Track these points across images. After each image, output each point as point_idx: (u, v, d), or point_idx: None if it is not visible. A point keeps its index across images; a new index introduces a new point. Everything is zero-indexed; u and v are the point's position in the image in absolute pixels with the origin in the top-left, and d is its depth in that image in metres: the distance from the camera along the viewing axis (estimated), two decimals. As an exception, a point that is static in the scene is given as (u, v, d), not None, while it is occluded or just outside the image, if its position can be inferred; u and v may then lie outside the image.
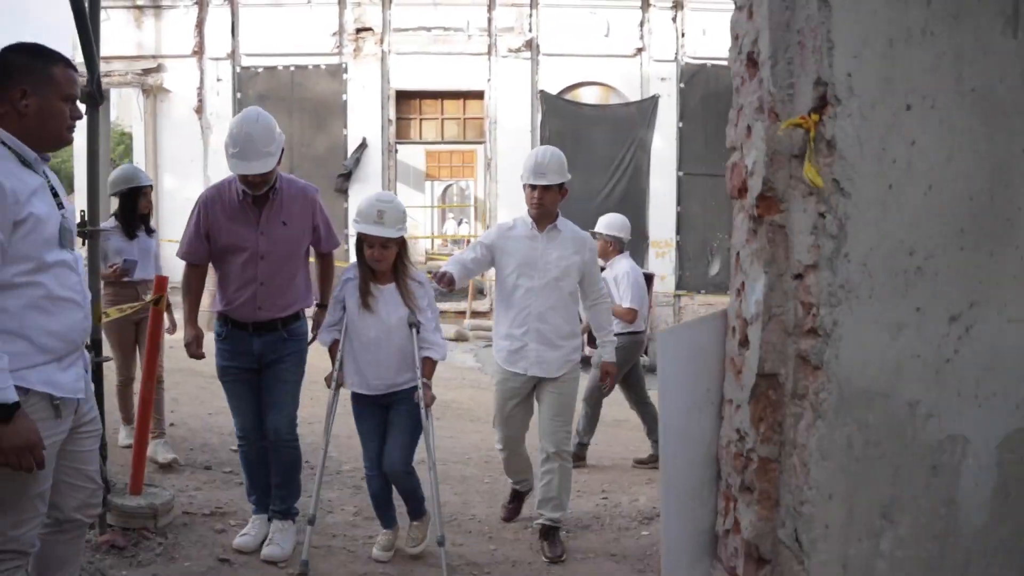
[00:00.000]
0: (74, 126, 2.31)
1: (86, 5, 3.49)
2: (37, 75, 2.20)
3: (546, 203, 3.70)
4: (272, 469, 3.77)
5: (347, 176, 13.57)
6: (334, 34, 13.36)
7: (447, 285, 3.85)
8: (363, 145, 13.63)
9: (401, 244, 3.65)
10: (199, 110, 13.68)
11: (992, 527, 1.53)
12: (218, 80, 13.49)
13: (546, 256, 3.73)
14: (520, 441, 3.88)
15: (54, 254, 2.20)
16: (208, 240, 3.64)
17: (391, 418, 3.65)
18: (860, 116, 1.42)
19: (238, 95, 13.56)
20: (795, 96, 1.51)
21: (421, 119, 14.38)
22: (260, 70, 13.61)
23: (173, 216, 13.42)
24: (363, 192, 10.77)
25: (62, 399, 2.18)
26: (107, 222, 4.69)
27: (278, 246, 3.61)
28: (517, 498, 4.03)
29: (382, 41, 13.40)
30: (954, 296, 1.47)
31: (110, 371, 4.19)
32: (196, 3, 13.00)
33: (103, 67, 11.63)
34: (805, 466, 1.51)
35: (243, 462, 3.86)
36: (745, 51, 1.64)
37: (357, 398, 3.71)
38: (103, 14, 9.07)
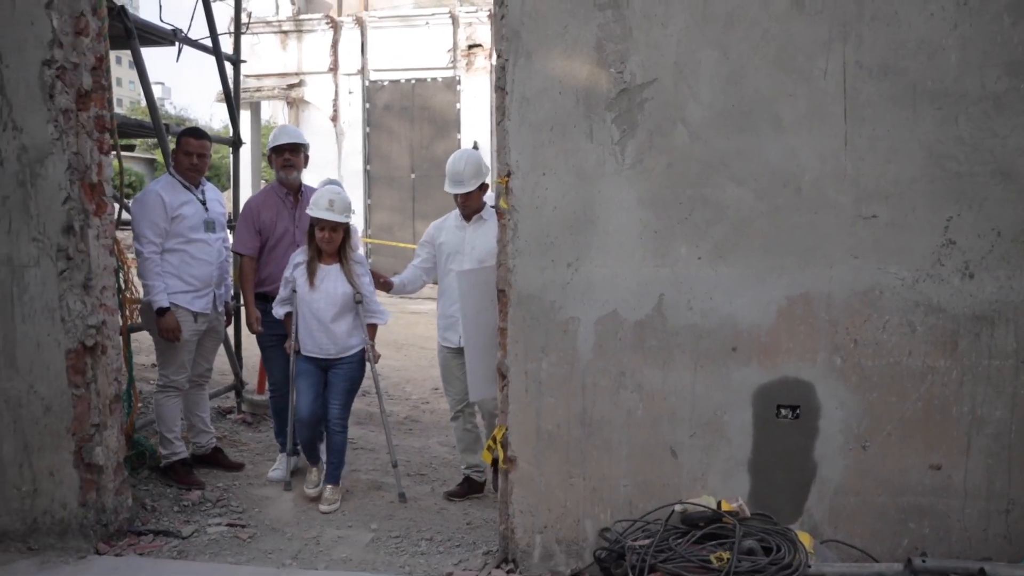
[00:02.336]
0: (197, 166, 4.77)
1: (231, 88, 5.98)
2: (182, 144, 4.70)
3: (470, 204, 4.51)
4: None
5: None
6: (449, 50, 15.58)
7: (385, 289, 4.79)
8: (475, 148, 16.13)
9: (346, 229, 4.50)
10: (334, 118, 16.41)
11: (597, 363, 3.58)
12: (349, 92, 16.16)
13: (471, 243, 4.51)
14: (468, 407, 4.73)
15: (197, 234, 4.67)
16: (259, 234, 4.92)
17: (331, 379, 4.62)
18: (521, 180, 3.54)
19: (367, 105, 16.20)
20: (505, 167, 3.63)
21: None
22: (385, 83, 16.08)
23: (312, 211, 16.17)
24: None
25: (196, 312, 4.65)
26: None
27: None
28: (468, 484, 4.81)
29: (491, 56, 15.54)
30: (568, 255, 3.55)
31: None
32: (331, 26, 15.75)
33: (255, 83, 15.06)
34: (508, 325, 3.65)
35: (273, 409, 5.23)
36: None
37: (302, 358, 4.64)
38: (255, 39, 13.06)
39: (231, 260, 5.34)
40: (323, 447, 4.86)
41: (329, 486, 4.71)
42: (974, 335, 3.36)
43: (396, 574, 3.85)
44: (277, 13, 15.45)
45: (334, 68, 15.93)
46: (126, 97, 55.47)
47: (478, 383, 4.15)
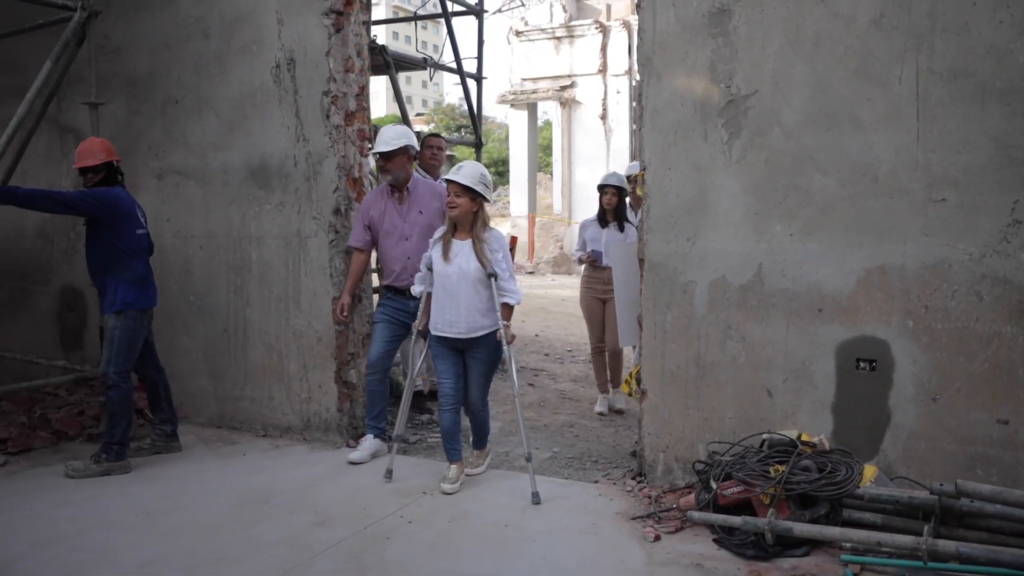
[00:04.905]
0: (436, 156, 6.27)
1: (474, 103, 7.53)
2: (425, 142, 6.25)
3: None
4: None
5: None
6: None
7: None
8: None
9: (479, 206, 4.65)
10: (603, 117, 17.85)
11: (709, 318, 4.59)
12: (617, 92, 17.49)
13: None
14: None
15: None
16: (370, 230, 5.35)
17: (468, 362, 4.76)
18: (652, 174, 4.64)
19: (633, 104, 17.44)
20: (641, 164, 4.74)
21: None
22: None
23: (583, 204, 17.81)
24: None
25: None
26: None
27: (417, 228, 5.26)
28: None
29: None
30: (688, 232, 4.59)
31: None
32: (600, 31, 17.20)
33: (531, 86, 17.11)
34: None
35: (367, 389, 5.42)
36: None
37: (437, 340, 4.74)
38: (530, 45, 15.19)
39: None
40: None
41: (476, 451, 5.08)
42: (1034, 304, 3.95)
43: (558, 478, 5.11)
44: (551, 20, 17.18)
45: (603, 70, 17.32)
46: (417, 96, 61.12)
47: (626, 332, 5.31)
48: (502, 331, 4.66)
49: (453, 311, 4.65)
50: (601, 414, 6.63)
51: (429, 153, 6.54)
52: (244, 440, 5.94)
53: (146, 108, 6.36)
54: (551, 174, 20.25)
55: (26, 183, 6.58)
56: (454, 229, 4.73)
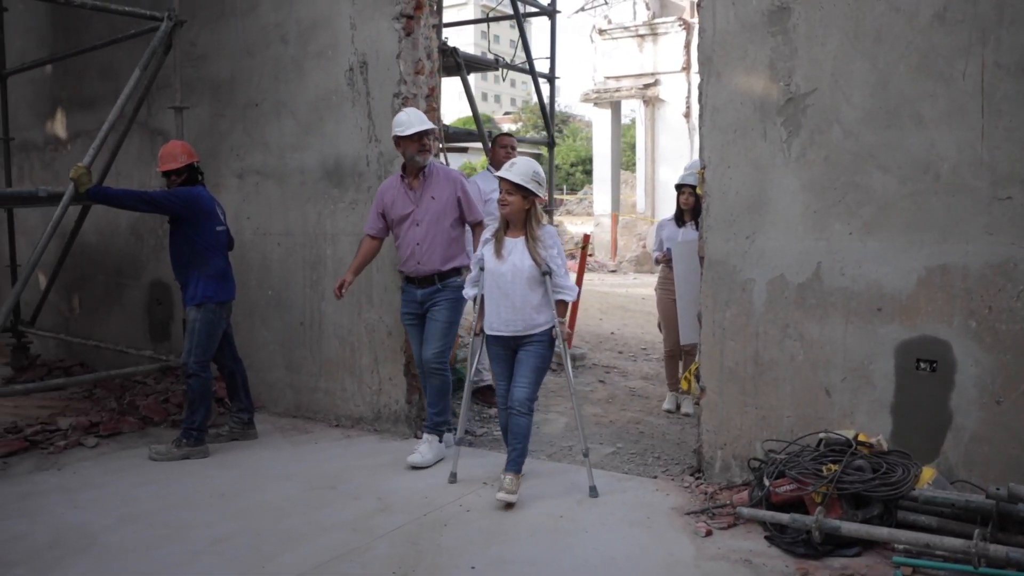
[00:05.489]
0: (510, 156, 6.36)
1: (546, 102, 7.65)
2: (496, 141, 6.36)
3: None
4: (426, 391, 5.25)
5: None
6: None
7: None
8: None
9: (531, 203, 4.57)
10: (687, 115, 17.74)
11: (767, 316, 4.61)
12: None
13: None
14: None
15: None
16: (384, 218, 5.31)
17: (518, 358, 4.64)
18: (712, 172, 4.68)
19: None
20: (702, 162, 4.79)
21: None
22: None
23: (666, 202, 17.73)
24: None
25: None
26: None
27: (429, 214, 5.16)
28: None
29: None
30: (747, 230, 4.61)
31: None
32: (684, 28, 17.09)
33: (615, 84, 17.19)
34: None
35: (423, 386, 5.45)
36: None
37: (491, 340, 4.68)
38: (613, 43, 15.33)
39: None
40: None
41: (509, 475, 4.57)
42: (1101, 305, 3.85)
43: (618, 472, 5.19)
44: (634, 18, 17.15)
45: (686, 67, 17.20)
46: (505, 95, 61.50)
47: (687, 329, 5.35)
48: (557, 328, 4.63)
49: (509, 310, 4.59)
50: (668, 411, 6.67)
51: (503, 152, 6.65)
52: (317, 429, 6.20)
53: (229, 111, 6.70)
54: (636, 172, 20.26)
55: (120, 183, 7.02)
56: (506, 227, 4.68)
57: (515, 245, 4.60)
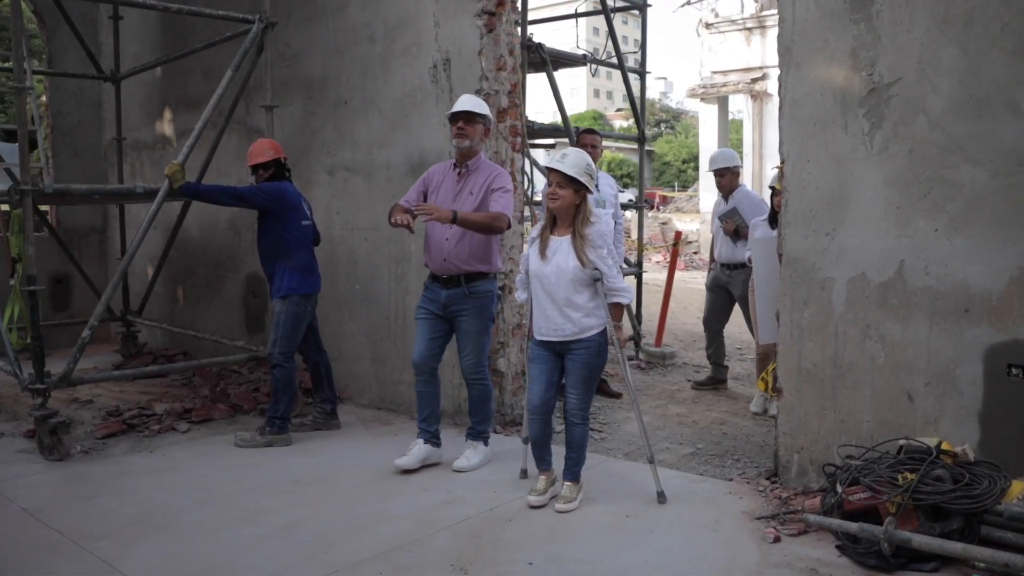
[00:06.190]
0: (591, 155, 6.34)
1: (636, 98, 7.56)
2: (579, 139, 6.32)
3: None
4: (469, 399, 5.10)
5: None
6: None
7: None
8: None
9: (582, 198, 4.32)
10: (796, 109, 17.01)
11: (847, 316, 4.43)
12: (812, 82, 16.65)
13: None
14: None
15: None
16: (423, 196, 5.03)
17: (567, 366, 4.38)
18: (791, 167, 4.54)
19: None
20: (780, 157, 4.64)
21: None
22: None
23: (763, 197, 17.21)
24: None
25: None
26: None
27: (464, 209, 4.81)
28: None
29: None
30: (826, 226, 4.45)
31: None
32: (795, 20, 16.47)
33: (721, 79, 16.83)
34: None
35: (416, 390, 5.14)
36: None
37: (536, 342, 4.45)
38: (720, 37, 15.05)
39: (622, 231, 6.98)
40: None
41: (567, 483, 4.51)
42: None
43: (693, 474, 5.10)
44: (742, 12, 16.74)
45: (797, 59, 16.55)
46: (618, 91, 60.90)
47: (766, 328, 5.19)
48: (611, 331, 4.38)
49: (555, 313, 4.33)
50: (756, 414, 6.49)
51: (584, 150, 6.63)
52: (399, 422, 6.32)
53: (320, 109, 6.90)
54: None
55: (220, 180, 7.33)
56: (552, 224, 4.40)
57: (560, 244, 4.33)
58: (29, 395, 5.40)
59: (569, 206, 4.30)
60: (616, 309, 4.44)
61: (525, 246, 4.61)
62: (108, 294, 5.58)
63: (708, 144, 18.61)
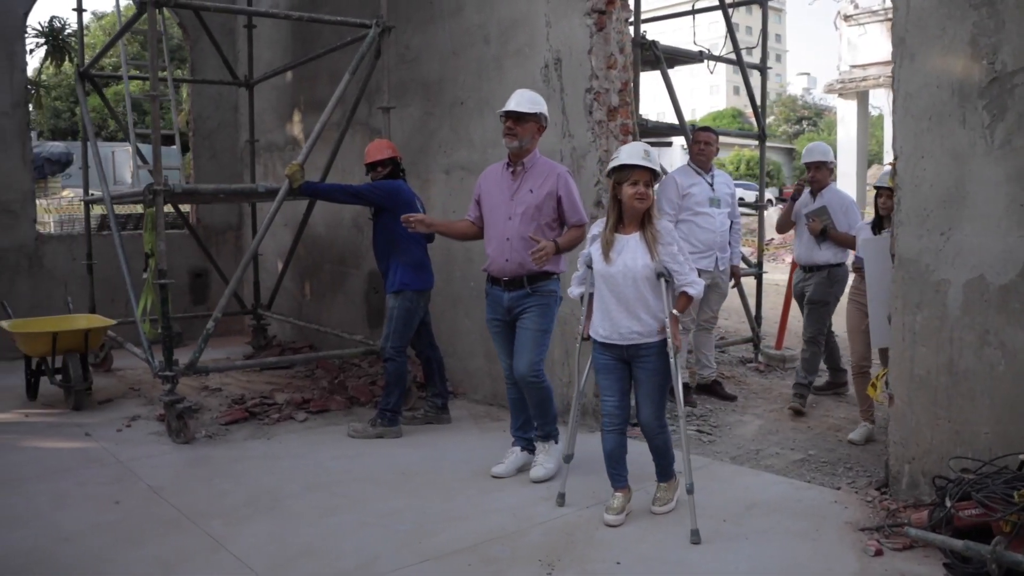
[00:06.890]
0: (704, 152, 6.28)
1: (754, 92, 7.38)
2: (694, 136, 6.27)
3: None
4: (528, 403, 4.92)
5: None
6: None
7: None
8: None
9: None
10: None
11: (963, 320, 4.21)
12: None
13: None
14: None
15: (703, 208, 6.25)
16: (478, 204, 4.99)
17: (637, 374, 4.17)
18: (904, 163, 4.34)
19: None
20: (893, 153, 4.44)
21: None
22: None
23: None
24: None
25: (700, 269, 6.21)
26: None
27: (523, 207, 4.75)
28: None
29: None
30: (942, 225, 4.23)
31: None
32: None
33: (861, 73, 16.26)
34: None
35: (508, 399, 5.13)
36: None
37: (599, 347, 4.20)
38: (860, 29, 14.48)
39: (739, 230, 6.84)
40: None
41: (661, 484, 4.45)
42: None
43: (799, 480, 4.96)
44: (884, 2, 16.02)
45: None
46: (757, 88, 59.21)
47: (879, 331, 4.98)
48: (668, 327, 4.09)
49: (622, 315, 4.12)
50: (852, 442, 5.78)
51: (696, 148, 6.55)
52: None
53: (437, 110, 7.08)
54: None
55: (344, 179, 7.63)
56: (617, 223, 4.20)
57: (627, 243, 4.13)
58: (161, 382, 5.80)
59: (650, 201, 4.14)
60: (683, 298, 4.17)
61: (586, 242, 4.44)
62: (231, 287, 5.92)
63: (847, 141, 17.89)
